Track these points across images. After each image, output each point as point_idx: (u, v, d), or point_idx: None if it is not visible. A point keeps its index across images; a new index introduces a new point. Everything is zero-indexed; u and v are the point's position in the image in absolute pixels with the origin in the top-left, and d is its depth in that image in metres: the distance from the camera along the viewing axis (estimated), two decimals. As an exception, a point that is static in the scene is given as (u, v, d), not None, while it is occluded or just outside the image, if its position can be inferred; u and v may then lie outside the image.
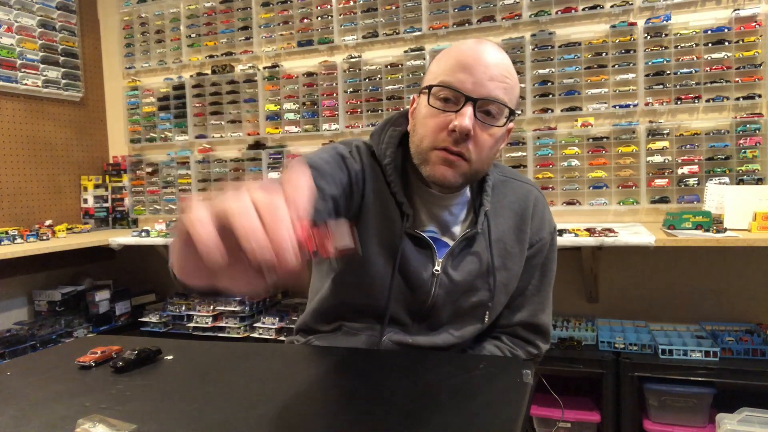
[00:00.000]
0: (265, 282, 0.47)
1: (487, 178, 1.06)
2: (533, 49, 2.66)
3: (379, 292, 1.02)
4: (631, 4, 2.51)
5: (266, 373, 0.91)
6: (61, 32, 3.24)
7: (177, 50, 3.38)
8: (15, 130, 3.01)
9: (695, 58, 2.44)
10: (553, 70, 2.64)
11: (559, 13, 2.63)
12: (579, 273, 2.55)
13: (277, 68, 3.15)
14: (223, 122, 3.29)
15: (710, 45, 2.42)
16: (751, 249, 2.33)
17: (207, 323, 2.82)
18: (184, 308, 2.90)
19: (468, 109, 0.90)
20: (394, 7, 2.90)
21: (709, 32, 2.42)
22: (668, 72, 2.48)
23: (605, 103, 2.57)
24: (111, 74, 3.57)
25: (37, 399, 0.81)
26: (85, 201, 3.40)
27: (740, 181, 2.38)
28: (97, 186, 3.44)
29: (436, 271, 1.02)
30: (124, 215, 3.52)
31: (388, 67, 2.92)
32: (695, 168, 2.46)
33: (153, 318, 2.97)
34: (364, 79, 2.97)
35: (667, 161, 2.49)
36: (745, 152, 2.38)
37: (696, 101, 2.45)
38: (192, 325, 2.85)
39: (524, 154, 2.69)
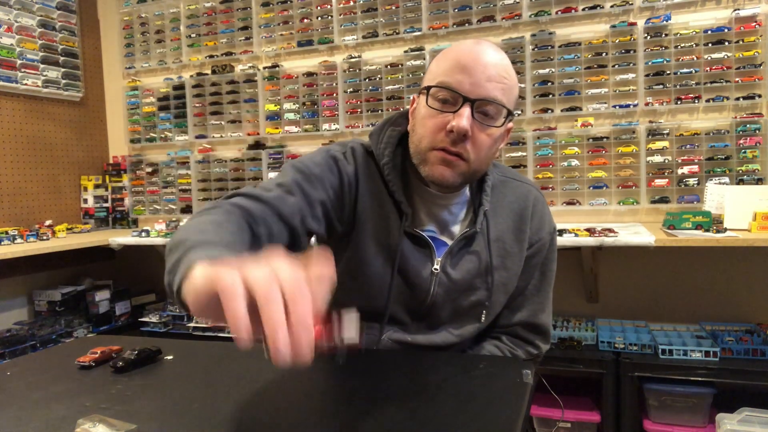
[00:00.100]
0: None
1: (487, 178, 1.06)
2: (533, 49, 2.66)
3: (378, 292, 1.03)
4: (631, 4, 2.51)
5: (266, 373, 0.91)
6: (61, 32, 3.24)
7: (177, 50, 3.38)
8: (15, 130, 3.01)
9: (695, 58, 2.44)
10: (553, 70, 2.64)
11: (559, 13, 2.63)
12: (579, 273, 2.55)
13: (277, 68, 3.15)
14: (223, 122, 3.29)
15: (710, 45, 2.42)
16: (751, 249, 2.33)
17: (207, 323, 2.82)
18: (184, 308, 2.89)
19: (466, 110, 0.90)
20: (394, 7, 2.90)
21: (709, 32, 2.42)
22: (668, 72, 2.48)
23: (605, 103, 2.57)
24: (111, 74, 3.57)
25: (37, 399, 0.81)
26: (85, 201, 3.41)
27: (740, 181, 2.38)
28: (97, 186, 3.44)
29: (435, 269, 1.02)
30: (124, 215, 3.52)
31: (388, 67, 2.92)
32: (695, 168, 2.46)
33: (153, 318, 2.98)
34: (364, 79, 2.97)
35: (667, 161, 2.49)
36: (745, 152, 2.38)
37: (696, 101, 2.45)
38: (192, 325, 2.86)
39: (524, 154, 2.69)
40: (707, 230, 2.08)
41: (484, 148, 0.94)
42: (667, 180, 2.49)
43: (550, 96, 2.65)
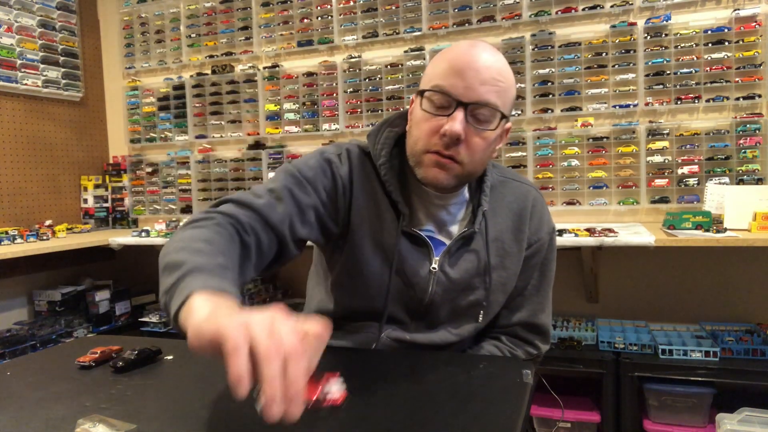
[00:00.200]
0: None
1: (486, 179, 1.06)
2: (533, 49, 2.66)
3: (376, 292, 1.03)
4: (631, 4, 2.51)
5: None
6: (61, 32, 3.24)
7: (177, 50, 3.38)
8: (15, 130, 3.01)
9: (695, 58, 2.44)
10: (553, 70, 2.64)
11: (559, 13, 2.63)
12: (579, 273, 2.55)
13: (277, 68, 3.15)
14: (223, 122, 3.29)
15: (710, 45, 2.42)
16: (751, 249, 2.33)
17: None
18: (184, 308, 2.89)
19: (459, 114, 0.91)
20: (394, 7, 2.90)
21: (709, 32, 2.42)
22: (668, 72, 2.48)
23: (605, 103, 2.57)
24: (111, 74, 3.58)
25: (37, 399, 0.81)
26: (85, 201, 3.41)
27: (740, 181, 2.38)
28: (97, 186, 3.44)
29: (433, 269, 1.03)
30: (124, 215, 3.52)
31: (388, 67, 2.92)
32: (695, 168, 2.46)
33: (153, 318, 2.97)
34: (364, 79, 2.97)
35: (667, 161, 2.49)
36: (745, 152, 2.38)
37: (696, 101, 2.45)
38: (192, 325, 2.85)
39: (524, 154, 2.69)
40: (707, 230, 2.08)
41: (478, 151, 0.95)
42: (667, 180, 2.49)
43: (550, 96, 2.65)
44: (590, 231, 2.17)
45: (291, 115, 3.13)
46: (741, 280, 2.41)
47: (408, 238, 1.03)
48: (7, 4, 2.95)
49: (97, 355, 0.95)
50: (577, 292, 2.62)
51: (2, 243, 2.58)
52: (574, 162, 2.62)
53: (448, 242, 1.04)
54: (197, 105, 3.35)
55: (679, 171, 2.48)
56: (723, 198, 2.21)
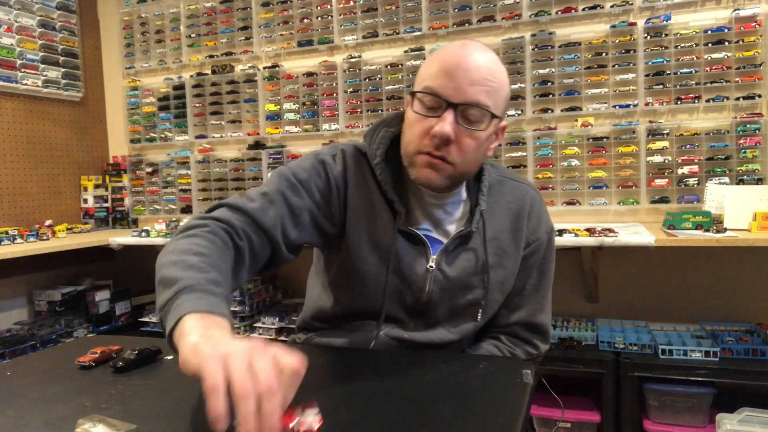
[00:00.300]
0: None
1: (483, 178, 1.07)
2: (533, 49, 2.66)
3: (373, 291, 1.04)
4: (631, 4, 2.51)
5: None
6: (61, 32, 3.24)
7: (177, 50, 3.38)
8: (15, 130, 3.01)
9: (695, 58, 2.44)
10: (553, 70, 2.64)
11: (559, 13, 2.63)
12: (579, 273, 2.55)
13: (277, 68, 3.15)
14: (223, 122, 3.29)
15: (710, 45, 2.42)
16: (751, 249, 2.33)
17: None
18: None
19: (449, 115, 0.92)
20: (394, 7, 2.90)
21: (709, 32, 2.42)
22: (668, 72, 2.48)
23: (605, 103, 2.57)
24: (111, 74, 3.57)
25: (37, 399, 0.81)
26: (85, 201, 3.41)
27: (740, 181, 2.38)
28: (97, 186, 3.44)
29: (431, 267, 1.03)
30: (124, 215, 3.52)
31: (388, 67, 2.92)
32: (695, 168, 2.46)
33: (153, 318, 2.97)
34: (364, 79, 2.97)
35: (667, 161, 2.49)
36: (745, 152, 2.38)
37: (696, 101, 2.45)
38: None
39: (524, 154, 2.69)
40: (707, 230, 2.08)
41: (469, 151, 0.95)
42: (667, 180, 2.49)
43: (550, 96, 2.65)
44: (590, 231, 2.17)
45: (291, 115, 3.13)
46: (741, 280, 2.41)
47: (405, 236, 1.03)
48: (7, 4, 2.95)
49: (97, 355, 0.95)
50: (577, 292, 2.62)
51: (2, 243, 2.58)
52: (574, 162, 2.62)
53: (445, 241, 1.05)
54: (197, 105, 3.35)
55: (679, 171, 2.48)
56: (723, 198, 2.21)
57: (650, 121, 2.52)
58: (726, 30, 2.40)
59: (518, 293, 1.12)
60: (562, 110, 2.64)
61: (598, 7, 2.56)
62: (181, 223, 1.00)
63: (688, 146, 2.47)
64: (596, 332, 2.28)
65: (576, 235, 2.15)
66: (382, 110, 2.94)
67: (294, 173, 1.01)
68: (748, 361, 2.04)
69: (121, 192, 3.51)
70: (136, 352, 0.94)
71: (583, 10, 2.59)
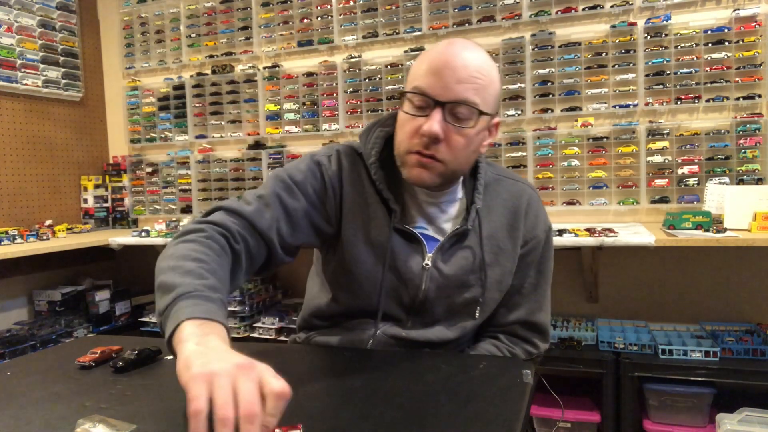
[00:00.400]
0: None
1: (479, 176, 1.07)
2: (533, 49, 2.66)
3: (370, 289, 1.04)
4: (631, 4, 2.51)
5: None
6: (61, 32, 3.24)
7: (177, 50, 3.38)
8: (15, 130, 3.01)
9: (695, 58, 2.44)
10: (553, 70, 2.64)
11: (559, 13, 2.63)
12: (579, 273, 2.55)
13: (277, 68, 3.15)
14: (223, 122, 3.29)
15: (710, 45, 2.42)
16: (751, 249, 2.33)
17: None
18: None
19: (437, 114, 0.92)
20: (394, 7, 2.90)
21: (709, 32, 2.42)
22: (668, 72, 2.48)
23: (605, 103, 2.57)
24: (111, 74, 3.57)
25: (37, 399, 0.81)
26: (85, 201, 3.41)
27: (740, 181, 2.38)
28: (97, 186, 3.44)
29: (426, 264, 1.04)
30: (124, 215, 3.52)
31: (388, 67, 2.92)
32: (695, 168, 2.46)
33: (153, 318, 2.97)
34: (364, 79, 2.97)
35: (667, 161, 2.49)
36: (745, 152, 2.38)
37: (696, 101, 2.45)
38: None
39: (524, 154, 2.69)
40: (707, 230, 2.08)
41: (459, 149, 0.96)
42: (667, 180, 2.49)
43: (550, 96, 2.65)
44: (590, 231, 2.17)
45: (291, 115, 3.13)
46: (741, 280, 2.41)
47: (400, 234, 1.04)
48: (7, 4, 2.95)
49: (97, 355, 0.95)
50: (577, 292, 2.62)
51: (2, 243, 2.58)
52: (574, 162, 2.62)
53: (441, 239, 1.05)
54: (197, 105, 3.35)
55: (679, 171, 2.48)
56: (723, 198, 2.21)
57: (650, 121, 2.52)
58: (726, 30, 2.40)
59: (517, 292, 1.12)
60: (562, 110, 2.64)
61: (598, 7, 2.56)
62: (179, 227, 1.01)
63: (688, 146, 2.47)
64: (596, 332, 2.28)
65: (576, 235, 2.15)
66: (382, 110, 2.94)
67: (290, 175, 1.02)
68: (748, 361, 2.04)
69: (121, 192, 3.51)
70: (136, 352, 0.94)
71: (583, 10, 2.59)
